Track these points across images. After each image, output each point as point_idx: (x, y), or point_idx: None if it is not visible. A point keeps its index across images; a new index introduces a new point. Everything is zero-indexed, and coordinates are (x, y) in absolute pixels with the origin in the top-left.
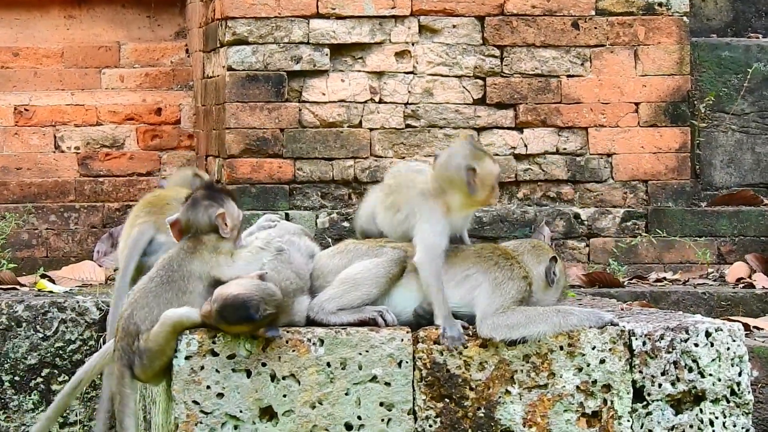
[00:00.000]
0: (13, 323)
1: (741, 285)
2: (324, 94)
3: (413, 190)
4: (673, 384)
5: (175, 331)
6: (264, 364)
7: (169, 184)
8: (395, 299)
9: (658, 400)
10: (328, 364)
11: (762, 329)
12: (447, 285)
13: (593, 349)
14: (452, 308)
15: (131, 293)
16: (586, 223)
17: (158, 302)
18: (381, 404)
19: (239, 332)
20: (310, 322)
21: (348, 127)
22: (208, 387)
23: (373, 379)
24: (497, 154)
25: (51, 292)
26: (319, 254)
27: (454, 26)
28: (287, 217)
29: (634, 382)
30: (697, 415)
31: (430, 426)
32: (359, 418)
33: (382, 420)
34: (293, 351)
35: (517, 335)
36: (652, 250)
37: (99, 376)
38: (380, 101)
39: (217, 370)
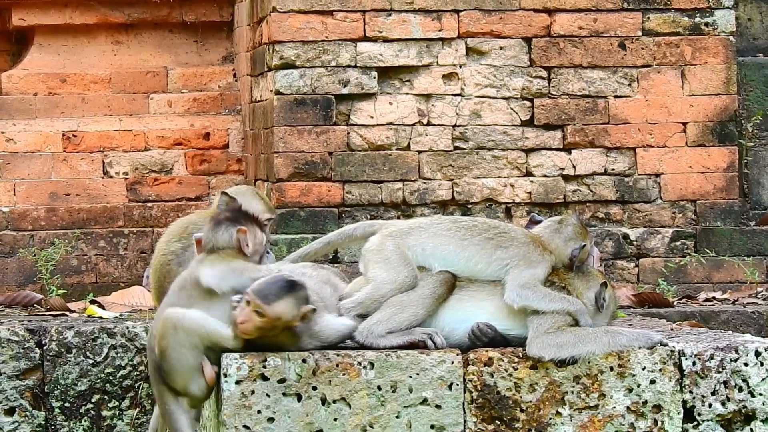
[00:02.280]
0: (63, 349)
1: None
2: (372, 117)
3: (518, 239)
4: (723, 404)
5: (175, 328)
6: (314, 388)
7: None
8: (443, 321)
9: (708, 420)
10: (379, 388)
11: None
12: (499, 303)
13: (643, 369)
14: (503, 331)
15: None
16: (635, 243)
17: None
18: (432, 427)
19: (281, 317)
20: (360, 346)
21: (396, 149)
22: (259, 411)
23: (424, 401)
24: (545, 176)
25: (100, 317)
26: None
27: (501, 48)
28: None
29: (684, 402)
30: None
31: None
32: None
33: None
34: (343, 374)
35: (567, 354)
36: (701, 269)
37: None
38: (428, 124)
39: (267, 395)
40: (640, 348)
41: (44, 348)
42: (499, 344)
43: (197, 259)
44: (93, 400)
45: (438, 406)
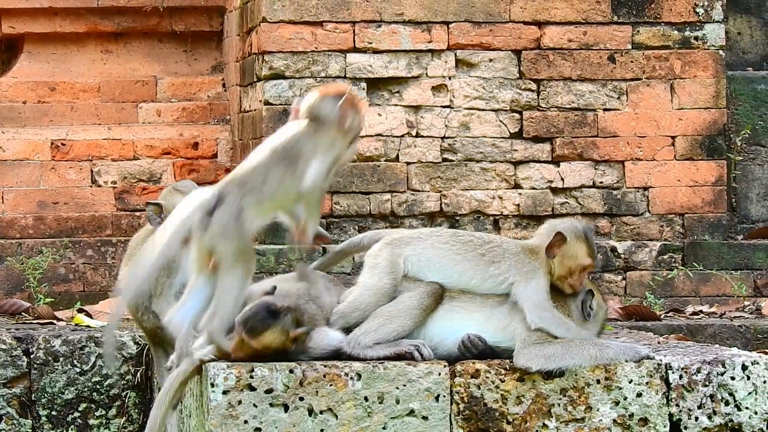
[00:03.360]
0: (50, 358)
1: None
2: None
3: (509, 251)
4: (709, 417)
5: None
6: (301, 399)
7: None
8: (432, 331)
9: None
10: (366, 399)
11: None
12: (489, 314)
13: (630, 382)
14: (493, 343)
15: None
16: (622, 256)
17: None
18: None
19: (270, 346)
20: (347, 357)
21: (385, 161)
22: (246, 422)
23: (411, 413)
24: (534, 188)
25: (88, 326)
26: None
27: (490, 60)
28: (324, 251)
29: (671, 415)
30: None
31: None
32: None
33: None
34: (331, 385)
35: (554, 366)
36: (689, 283)
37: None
38: (417, 135)
39: (254, 405)
40: (627, 361)
41: (31, 356)
42: (488, 356)
43: (304, 129)
44: (80, 409)
45: (425, 418)
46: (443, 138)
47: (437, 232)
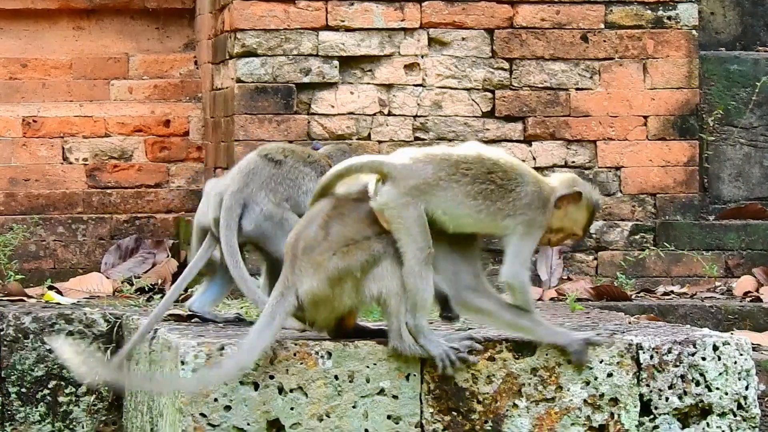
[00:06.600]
0: (20, 335)
1: (748, 299)
2: (333, 107)
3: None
4: (680, 398)
5: None
6: (272, 377)
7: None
8: None
9: (665, 414)
10: (336, 377)
11: None
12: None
13: (601, 362)
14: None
15: None
16: (594, 236)
17: None
18: (388, 417)
19: None
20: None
21: (357, 139)
22: (216, 399)
23: (381, 392)
24: None
25: (58, 303)
26: None
27: (463, 39)
28: None
29: (641, 395)
30: (704, 428)
31: None
32: (366, 431)
33: None
34: (301, 363)
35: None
36: (660, 263)
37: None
38: (389, 114)
39: (224, 383)
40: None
41: (1, 333)
42: None
43: None
44: (50, 386)
45: (395, 397)
46: (415, 117)
47: (454, 177)
